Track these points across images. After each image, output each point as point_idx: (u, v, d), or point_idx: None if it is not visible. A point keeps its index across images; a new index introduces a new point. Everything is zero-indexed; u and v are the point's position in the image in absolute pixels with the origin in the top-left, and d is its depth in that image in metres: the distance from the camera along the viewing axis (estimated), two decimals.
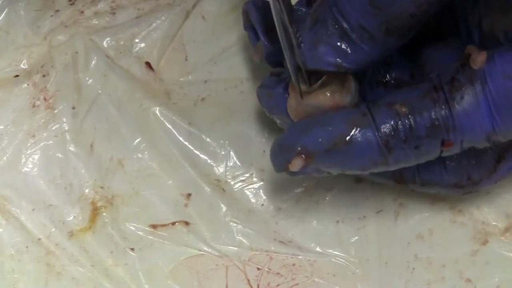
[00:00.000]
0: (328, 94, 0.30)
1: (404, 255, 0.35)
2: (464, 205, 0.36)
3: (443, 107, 0.28)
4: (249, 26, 0.35)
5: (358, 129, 0.29)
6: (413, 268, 0.35)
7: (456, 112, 0.28)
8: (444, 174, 0.32)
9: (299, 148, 0.29)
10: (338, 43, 0.29)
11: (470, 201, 0.36)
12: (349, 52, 0.29)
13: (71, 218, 0.36)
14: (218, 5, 0.39)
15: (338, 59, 0.29)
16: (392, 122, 0.28)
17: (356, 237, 0.36)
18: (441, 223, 0.36)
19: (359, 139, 0.29)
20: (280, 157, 0.30)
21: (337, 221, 0.36)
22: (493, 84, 0.28)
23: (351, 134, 0.29)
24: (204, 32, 0.39)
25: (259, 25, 0.34)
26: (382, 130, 0.28)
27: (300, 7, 0.34)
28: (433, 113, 0.28)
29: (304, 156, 0.29)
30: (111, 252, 0.35)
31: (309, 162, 0.29)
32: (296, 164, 0.29)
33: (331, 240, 0.36)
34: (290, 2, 0.29)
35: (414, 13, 0.28)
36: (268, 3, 0.29)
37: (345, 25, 0.28)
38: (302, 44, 0.29)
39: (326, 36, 0.29)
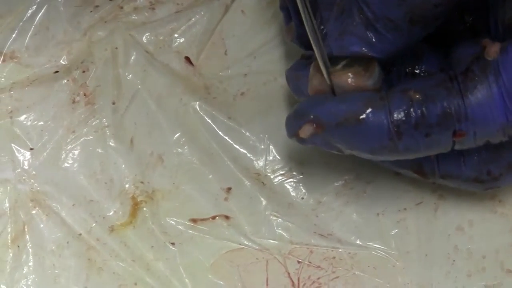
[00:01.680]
0: (351, 76, 0.31)
1: (444, 247, 0.37)
2: (504, 195, 0.37)
3: (456, 96, 0.29)
4: (284, 6, 0.37)
5: (372, 109, 0.30)
6: (454, 260, 0.36)
7: (469, 102, 0.29)
8: (463, 167, 0.33)
9: (312, 117, 0.31)
10: (364, 33, 0.30)
11: (510, 191, 0.37)
12: (375, 41, 0.30)
13: (111, 213, 0.37)
14: (257, 0, 0.41)
15: (364, 48, 0.31)
16: (404, 108, 0.30)
17: (396, 230, 0.37)
18: (481, 214, 0.37)
19: (370, 119, 0.30)
20: (293, 122, 0.32)
21: (377, 214, 0.37)
22: (507, 75, 0.29)
23: (364, 113, 0.30)
24: (243, 26, 0.41)
25: (292, 5, 0.35)
26: (395, 114, 0.30)
27: None
28: (445, 102, 0.29)
29: (315, 125, 0.31)
30: (152, 246, 0.37)
31: (319, 132, 0.31)
32: (306, 131, 0.31)
33: (371, 232, 0.37)
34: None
35: (438, 2, 0.29)
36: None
37: (370, 15, 0.30)
38: (327, 33, 0.31)
39: (352, 26, 0.31)
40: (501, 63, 0.29)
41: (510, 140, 0.31)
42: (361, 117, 0.30)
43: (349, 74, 0.31)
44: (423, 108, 0.30)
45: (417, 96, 0.30)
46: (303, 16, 0.30)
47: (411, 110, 0.30)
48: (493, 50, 0.30)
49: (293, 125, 0.32)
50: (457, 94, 0.29)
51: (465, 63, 0.30)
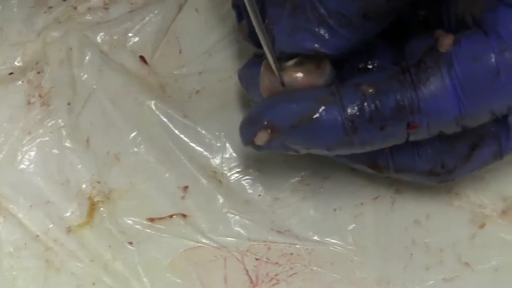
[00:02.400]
0: (302, 74, 0.32)
1: (402, 241, 0.37)
2: (460, 188, 0.38)
3: (409, 89, 0.30)
4: (235, 4, 0.38)
5: (325, 107, 0.31)
6: (411, 254, 0.37)
7: (422, 94, 0.30)
8: (417, 160, 0.34)
9: (265, 122, 0.31)
10: (317, 29, 0.31)
11: (466, 184, 0.38)
12: (328, 38, 0.31)
13: (68, 214, 0.38)
14: None
15: (317, 44, 0.31)
16: (358, 102, 0.30)
17: (354, 225, 0.38)
18: (438, 207, 0.38)
19: (324, 117, 0.30)
20: (247, 130, 0.32)
21: (334, 209, 0.38)
22: (459, 67, 0.30)
23: (317, 111, 0.31)
24: (197, 25, 0.42)
25: (243, 3, 0.36)
26: (348, 109, 0.30)
27: None
28: (398, 95, 0.30)
29: (269, 131, 0.31)
30: (110, 246, 0.37)
31: (274, 137, 0.31)
32: (261, 138, 0.32)
33: (329, 228, 0.38)
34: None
35: None
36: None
37: (323, 11, 0.30)
38: (279, 29, 0.31)
39: (305, 22, 0.31)
40: (454, 55, 0.30)
41: (464, 131, 0.32)
42: (315, 116, 0.31)
43: (300, 71, 0.32)
44: (377, 102, 0.30)
45: (370, 90, 0.31)
46: (250, 13, 0.31)
47: (365, 104, 0.30)
48: (446, 42, 0.30)
49: (247, 133, 0.33)
50: (410, 86, 0.30)
51: (418, 55, 0.31)
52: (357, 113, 0.30)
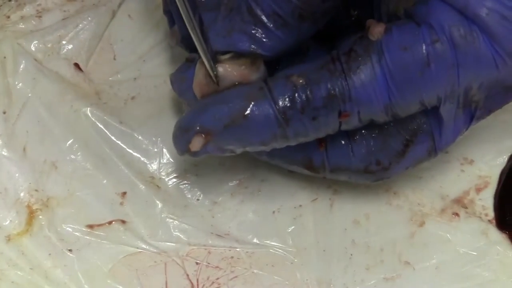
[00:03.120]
0: (237, 66, 0.34)
1: (342, 242, 0.41)
2: (399, 188, 0.42)
3: (339, 77, 0.32)
4: (167, 10, 0.40)
5: (255, 102, 0.33)
6: (351, 254, 0.40)
7: (352, 82, 0.32)
8: (352, 158, 0.36)
9: (198, 128, 0.34)
10: (253, 31, 0.33)
11: (404, 183, 0.42)
12: (264, 39, 0.34)
13: (7, 223, 0.41)
14: (144, 4, 0.45)
15: (253, 46, 0.34)
16: (289, 94, 0.33)
17: (293, 227, 0.41)
18: (377, 207, 0.41)
19: (256, 112, 0.33)
20: (181, 138, 0.35)
21: (273, 212, 0.41)
22: (390, 56, 0.32)
23: (248, 108, 0.33)
24: (131, 31, 0.45)
25: (175, 8, 0.38)
26: (279, 102, 0.33)
27: None
28: (329, 84, 0.33)
29: (203, 135, 0.34)
30: (49, 254, 0.40)
31: (209, 140, 0.34)
32: (196, 143, 0.34)
33: (268, 230, 0.41)
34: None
35: None
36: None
37: (259, 12, 0.33)
38: (211, 31, 0.34)
39: (240, 24, 0.34)
40: (385, 44, 0.32)
41: (396, 127, 0.35)
42: (246, 113, 0.33)
43: (236, 64, 0.34)
44: (308, 92, 0.33)
45: (301, 81, 0.33)
46: (181, 11, 0.33)
47: (296, 95, 0.33)
48: (377, 30, 0.33)
49: (181, 141, 0.35)
50: (340, 75, 0.33)
51: (348, 44, 0.33)
52: (289, 105, 0.33)
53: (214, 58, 0.34)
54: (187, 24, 0.33)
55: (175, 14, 0.39)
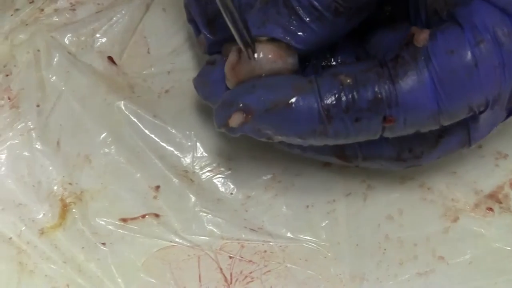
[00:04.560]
0: (273, 46, 0.35)
1: (375, 237, 0.41)
2: (433, 183, 0.42)
3: (387, 81, 0.33)
4: (191, 19, 0.41)
5: (302, 94, 0.33)
6: (385, 249, 0.41)
7: (400, 87, 0.33)
8: (385, 147, 0.37)
9: (241, 105, 0.34)
10: (287, 23, 0.34)
11: (439, 179, 0.42)
12: (298, 31, 0.34)
13: (41, 216, 0.42)
14: None
15: (287, 37, 0.34)
16: (335, 91, 0.33)
17: (326, 221, 0.42)
18: (411, 202, 0.42)
19: (300, 103, 0.33)
20: (222, 112, 0.35)
21: (307, 206, 0.42)
22: (437, 61, 0.32)
23: (294, 97, 0.33)
24: (165, 24, 0.45)
25: (200, 17, 0.39)
26: (325, 98, 0.33)
27: None
28: (376, 87, 0.33)
29: (244, 113, 0.34)
30: (83, 247, 0.41)
31: (249, 120, 0.34)
32: (235, 119, 0.34)
33: (302, 225, 0.42)
34: None
35: None
36: None
37: (295, 3, 0.34)
38: (249, 22, 0.34)
39: (275, 15, 0.34)
40: (431, 49, 0.33)
41: (441, 128, 0.35)
42: (291, 101, 0.33)
43: (272, 45, 0.34)
44: (354, 93, 0.33)
45: (348, 81, 0.33)
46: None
47: (342, 94, 0.33)
48: (422, 37, 0.33)
49: (222, 115, 0.35)
50: (388, 79, 0.33)
51: (394, 51, 0.34)
52: (334, 102, 0.33)
53: (251, 37, 0.34)
54: (219, 5, 0.33)
55: (200, 23, 0.39)
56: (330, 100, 0.33)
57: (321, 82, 0.34)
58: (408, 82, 0.33)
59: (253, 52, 0.34)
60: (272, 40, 0.35)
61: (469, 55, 0.32)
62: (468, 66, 0.32)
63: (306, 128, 0.34)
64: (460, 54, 0.32)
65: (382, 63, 0.33)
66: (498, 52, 0.32)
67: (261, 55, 0.35)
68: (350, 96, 0.33)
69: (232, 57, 0.36)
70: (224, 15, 0.33)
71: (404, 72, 0.33)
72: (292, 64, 0.35)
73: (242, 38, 0.34)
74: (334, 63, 0.38)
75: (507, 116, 0.37)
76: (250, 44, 0.34)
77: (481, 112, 0.34)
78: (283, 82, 0.34)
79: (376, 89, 0.33)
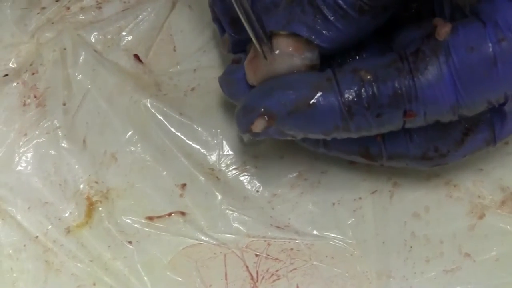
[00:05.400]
0: (291, 40, 0.35)
1: (401, 234, 0.42)
2: (459, 180, 0.43)
3: (406, 76, 0.33)
4: (216, 18, 0.41)
5: (322, 93, 0.34)
6: (411, 246, 0.41)
7: (419, 82, 0.33)
8: (410, 145, 0.37)
9: (262, 110, 0.35)
10: (312, 21, 0.35)
11: (465, 176, 0.43)
12: (323, 30, 0.35)
13: (67, 215, 0.42)
14: None
15: (312, 35, 0.35)
16: (355, 88, 0.34)
17: (353, 219, 0.42)
18: (437, 199, 0.42)
19: (322, 102, 0.34)
20: (244, 118, 0.36)
21: (333, 204, 0.42)
22: (457, 56, 0.33)
23: (314, 97, 0.34)
24: (191, 22, 0.46)
25: (224, 16, 0.40)
26: (345, 95, 0.34)
27: None
28: (396, 82, 0.33)
29: (266, 118, 0.35)
30: (109, 246, 0.41)
31: (272, 124, 0.35)
32: (259, 125, 0.35)
33: (328, 222, 0.42)
34: None
35: None
36: None
37: (320, 2, 0.34)
38: (271, 21, 0.35)
39: (300, 14, 0.35)
40: (452, 44, 0.33)
41: (460, 119, 0.35)
42: (312, 101, 0.34)
43: (290, 39, 0.35)
44: (374, 89, 0.34)
45: (368, 77, 0.34)
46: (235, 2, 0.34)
47: (362, 90, 0.34)
48: (444, 30, 0.33)
49: (244, 121, 0.36)
50: (408, 74, 0.33)
51: (415, 43, 0.34)
52: (355, 99, 0.34)
53: (267, 36, 0.35)
54: (233, 2, 0.34)
55: (224, 22, 0.40)
56: (351, 97, 0.34)
57: (341, 79, 0.34)
58: (428, 77, 0.33)
59: (270, 48, 0.35)
60: (292, 34, 0.35)
61: (489, 52, 0.32)
62: (488, 63, 0.32)
63: (328, 125, 0.35)
64: (481, 51, 0.32)
65: (403, 56, 0.34)
66: None
67: (278, 49, 0.35)
68: (370, 92, 0.34)
69: (250, 53, 0.37)
70: (238, 11, 0.34)
71: (425, 67, 0.33)
72: (311, 60, 0.35)
73: (256, 34, 0.35)
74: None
75: None
76: (265, 41, 0.35)
77: (501, 105, 0.35)
78: (302, 82, 0.35)
79: (396, 85, 0.33)
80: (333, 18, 0.34)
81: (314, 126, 0.35)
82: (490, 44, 0.32)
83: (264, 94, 0.35)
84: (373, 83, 0.34)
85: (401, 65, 0.34)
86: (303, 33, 0.35)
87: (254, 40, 0.35)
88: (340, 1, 0.34)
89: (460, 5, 0.35)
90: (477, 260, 0.41)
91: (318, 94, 0.34)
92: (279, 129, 0.35)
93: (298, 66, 0.35)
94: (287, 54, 0.35)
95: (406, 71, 0.33)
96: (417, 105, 0.34)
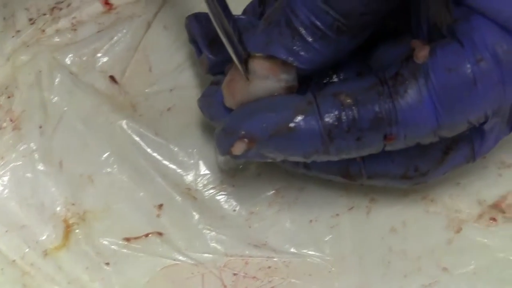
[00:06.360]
0: (267, 62, 0.35)
1: (379, 250, 0.42)
2: (436, 194, 0.43)
3: (386, 100, 0.33)
4: (192, 39, 0.42)
5: (302, 116, 0.34)
6: (389, 262, 0.42)
7: (400, 106, 0.33)
8: (391, 165, 0.38)
9: (243, 132, 0.35)
10: (290, 43, 0.35)
11: (442, 190, 0.43)
12: (301, 51, 0.35)
13: (44, 237, 0.42)
14: (179, 13, 0.46)
15: (290, 57, 0.35)
16: (336, 112, 0.34)
17: (330, 236, 0.42)
18: (414, 214, 0.43)
19: (302, 126, 0.34)
20: (224, 140, 0.36)
21: (310, 221, 0.43)
22: (436, 78, 0.33)
23: (295, 121, 0.34)
24: (166, 42, 0.46)
25: (201, 38, 0.41)
26: (326, 119, 0.34)
27: (243, 15, 0.41)
28: (376, 106, 0.34)
29: (247, 140, 0.35)
30: (87, 268, 0.42)
31: (252, 147, 0.35)
32: (239, 148, 0.35)
33: (305, 240, 0.42)
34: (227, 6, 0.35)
35: (363, 12, 0.34)
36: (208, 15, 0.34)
37: (297, 24, 0.35)
38: (250, 44, 0.35)
39: (278, 36, 0.35)
40: (430, 66, 0.33)
41: (440, 140, 0.36)
42: (292, 125, 0.34)
43: (267, 61, 0.35)
44: (355, 113, 0.34)
45: (348, 101, 0.34)
46: (215, 23, 0.35)
47: (343, 114, 0.34)
48: (422, 53, 0.34)
49: (224, 143, 0.36)
50: (388, 98, 0.34)
51: (394, 66, 0.35)
52: (335, 123, 0.34)
53: (247, 54, 0.35)
54: (214, 23, 0.34)
55: (201, 43, 0.41)
56: (331, 120, 0.34)
57: (321, 102, 0.34)
58: (408, 100, 0.33)
59: (246, 71, 0.36)
60: (268, 56, 0.35)
61: (468, 73, 0.32)
62: (467, 84, 0.33)
63: (309, 148, 0.35)
64: (459, 72, 0.32)
65: (383, 80, 0.34)
66: (498, 70, 0.32)
67: (254, 71, 0.35)
68: (351, 116, 0.34)
69: (228, 75, 0.37)
70: (218, 31, 0.35)
71: (404, 90, 0.33)
72: (286, 81, 0.36)
73: (237, 54, 0.35)
74: (336, 79, 0.39)
75: (511, 130, 0.37)
76: (246, 61, 0.35)
77: (481, 124, 0.35)
78: (282, 105, 0.35)
79: (377, 109, 0.33)
80: (311, 39, 0.34)
81: (295, 149, 0.35)
82: (468, 65, 0.32)
83: (245, 116, 0.35)
84: (354, 107, 0.34)
85: (381, 89, 0.34)
86: (282, 56, 0.35)
87: (235, 60, 0.35)
88: (317, 22, 0.34)
89: (437, 23, 0.35)
90: (455, 274, 0.41)
91: (299, 118, 0.34)
92: (259, 151, 0.35)
93: (273, 88, 0.36)
94: (262, 77, 0.35)
95: (386, 94, 0.33)
96: (398, 128, 0.34)
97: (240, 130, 0.35)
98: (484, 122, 0.35)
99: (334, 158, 0.35)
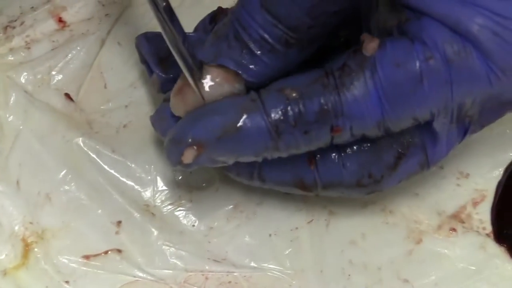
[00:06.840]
0: (221, 71, 0.35)
1: (339, 262, 0.42)
2: (395, 206, 0.43)
3: (332, 92, 0.34)
4: (143, 60, 0.42)
5: (248, 114, 0.34)
6: (349, 274, 0.42)
7: (345, 97, 0.34)
8: (344, 173, 0.37)
9: (190, 140, 0.35)
10: (239, 56, 0.35)
11: (400, 201, 0.43)
12: (250, 64, 0.35)
13: (3, 257, 0.42)
14: (133, 30, 0.47)
15: (239, 70, 0.35)
16: (281, 107, 0.34)
17: (290, 249, 0.43)
18: (373, 226, 0.43)
19: (249, 124, 0.34)
20: (173, 150, 0.36)
21: (270, 235, 0.43)
22: (383, 72, 0.33)
23: (241, 120, 0.34)
24: (121, 58, 0.47)
25: (151, 57, 0.41)
26: (272, 114, 0.34)
27: (194, 32, 0.41)
28: (322, 99, 0.34)
29: (195, 147, 0.35)
30: (46, 286, 0.42)
31: (201, 152, 0.35)
32: (189, 156, 0.35)
33: (265, 254, 0.43)
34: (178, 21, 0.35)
35: (311, 25, 0.34)
36: (158, 33, 0.34)
37: (245, 37, 0.35)
38: (198, 56, 0.35)
39: (227, 50, 0.35)
40: (378, 59, 0.34)
41: (389, 140, 0.36)
42: (239, 124, 0.34)
43: (220, 70, 0.35)
44: (300, 106, 0.34)
45: (293, 95, 0.34)
46: (162, 29, 0.34)
47: (288, 108, 0.34)
48: (371, 45, 0.34)
49: (174, 153, 0.36)
50: (334, 90, 0.34)
51: (342, 58, 0.35)
52: (281, 118, 0.34)
53: (197, 63, 0.35)
54: (162, 32, 0.34)
55: (151, 63, 0.41)
56: (277, 115, 0.34)
57: (266, 99, 0.34)
58: (354, 92, 0.33)
59: (200, 77, 0.35)
60: (220, 66, 0.35)
61: (416, 69, 0.33)
62: (413, 80, 0.33)
63: (258, 146, 0.35)
64: (407, 68, 0.33)
65: (329, 72, 0.34)
66: (447, 70, 0.33)
67: (208, 79, 0.35)
68: (296, 110, 0.34)
69: (177, 84, 0.37)
70: (168, 43, 0.34)
71: (350, 82, 0.33)
72: (239, 90, 0.36)
73: (186, 63, 0.35)
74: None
75: (463, 137, 0.38)
76: (196, 71, 0.35)
77: (428, 123, 0.35)
78: (226, 106, 0.35)
79: (322, 101, 0.34)
80: (259, 52, 0.35)
81: (244, 148, 0.35)
82: (417, 62, 0.33)
83: (190, 123, 0.35)
84: (299, 101, 0.34)
85: (326, 81, 0.34)
86: (231, 67, 0.35)
87: (184, 69, 0.35)
88: (266, 35, 0.34)
89: (387, 29, 0.36)
90: (415, 285, 0.41)
91: (244, 116, 0.34)
92: (209, 156, 0.35)
93: (227, 95, 0.36)
94: (217, 84, 0.35)
95: (332, 86, 0.34)
96: (343, 120, 0.34)
97: (187, 137, 0.35)
98: (431, 121, 0.35)
99: (284, 154, 0.35)
